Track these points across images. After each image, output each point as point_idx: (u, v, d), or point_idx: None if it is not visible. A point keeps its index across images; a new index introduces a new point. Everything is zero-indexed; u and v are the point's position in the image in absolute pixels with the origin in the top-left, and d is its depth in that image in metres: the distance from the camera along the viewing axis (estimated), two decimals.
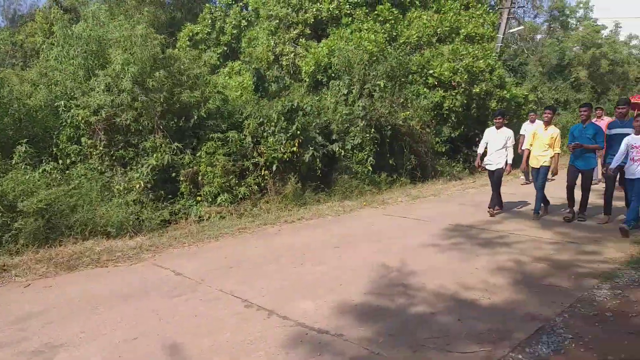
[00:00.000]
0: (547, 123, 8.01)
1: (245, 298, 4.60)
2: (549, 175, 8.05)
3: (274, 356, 3.50)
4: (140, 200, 8.35)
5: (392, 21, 15.49)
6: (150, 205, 8.39)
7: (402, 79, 13.66)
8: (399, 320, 4.06)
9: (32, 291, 5.00)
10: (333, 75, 13.53)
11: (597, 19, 36.61)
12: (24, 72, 11.05)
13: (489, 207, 8.34)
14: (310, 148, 9.93)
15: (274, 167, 9.48)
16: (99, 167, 8.82)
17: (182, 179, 8.89)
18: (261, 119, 9.80)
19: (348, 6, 15.47)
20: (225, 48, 17.65)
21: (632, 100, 11.60)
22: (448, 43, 15.26)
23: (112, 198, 8.22)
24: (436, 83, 13.98)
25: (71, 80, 9.43)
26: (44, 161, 8.32)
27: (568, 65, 30.02)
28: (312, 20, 15.64)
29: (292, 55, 15.46)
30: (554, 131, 7.94)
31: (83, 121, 8.77)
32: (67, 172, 8.54)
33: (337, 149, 10.78)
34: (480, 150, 8.58)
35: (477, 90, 13.94)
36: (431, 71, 13.99)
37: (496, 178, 8.29)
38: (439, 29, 15.56)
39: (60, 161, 8.71)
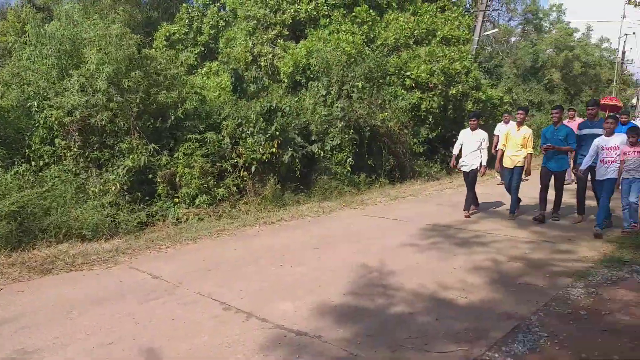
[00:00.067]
0: (520, 123, 8.14)
1: (223, 300, 4.56)
2: (523, 176, 8.20)
3: (251, 359, 3.48)
4: (116, 202, 8.22)
5: (370, 23, 15.60)
6: (127, 207, 8.27)
7: (380, 81, 13.77)
8: (378, 321, 4.08)
9: (4, 296, 4.87)
10: (312, 76, 13.54)
11: (569, 22, 37.52)
12: None
13: (464, 210, 8.44)
14: (290, 149, 9.92)
15: (253, 168, 9.45)
16: (73, 169, 8.66)
17: (159, 180, 8.78)
18: (240, 120, 9.74)
19: (326, 7, 15.51)
20: (203, 48, 17.50)
21: (603, 102, 11.92)
22: (425, 45, 15.44)
23: (87, 200, 8.08)
24: (413, 85, 14.13)
25: (44, 80, 9.23)
26: (16, 163, 8.14)
27: (542, 67, 30.68)
28: (290, 21, 15.63)
29: (270, 56, 15.42)
30: (526, 131, 8.09)
31: (57, 122, 8.59)
32: (41, 174, 8.37)
33: (316, 149, 10.79)
34: (455, 151, 8.67)
35: (454, 92, 14.14)
36: (408, 73, 14.14)
37: (471, 179, 8.38)
38: (415, 31, 15.72)
39: (33, 163, 8.53)
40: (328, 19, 15.48)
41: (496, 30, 27.78)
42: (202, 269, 5.62)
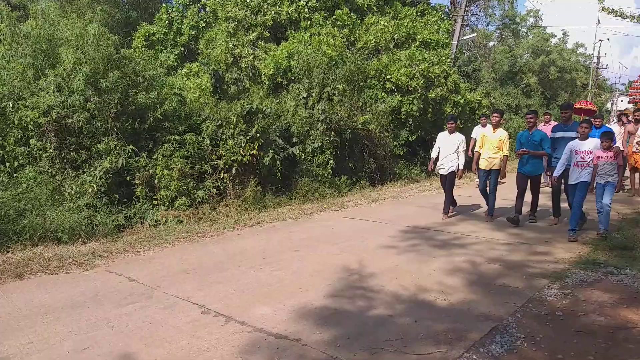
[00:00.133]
0: (496, 126, 8.25)
1: (202, 304, 4.52)
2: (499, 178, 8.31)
3: None
4: (93, 205, 8.09)
5: (350, 26, 15.68)
6: (104, 209, 8.14)
7: (361, 83, 13.84)
8: (357, 323, 4.09)
9: None
10: (293, 78, 13.54)
11: (546, 28, 38.29)
12: None
13: (443, 213, 8.52)
14: (271, 151, 9.88)
15: (234, 170, 9.38)
16: (49, 170, 8.49)
17: (137, 182, 8.66)
18: (220, 121, 9.67)
19: (307, 10, 15.53)
20: (183, 49, 17.35)
21: (577, 106, 12.18)
22: (405, 49, 15.57)
23: (63, 202, 7.93)
24: (394, 88, 14.24)
25: (19, 80, 9.02)
26: None
27: (519, 71, 31.26)
28: (271, 23, 15.60)
29: (251, 57, 15.36)
30: (502, 134, 8.19)
31: (32, 122, 8.41)
32: (15, 175, 8.20)
33: (297, 151, 10.78)
34: (433, 154, 8.72)
35: (433, 95, 14.28)
36: (389, 76, 14.24)
37: (449, 181, 8.46)
38: (395, 35, 15.86)
39: (8, 164, 8.34)
40: (309, 22, 15.49)
41: (474, 34, 28.20)
42: (181, 272, 5.56)
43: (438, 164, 8.54)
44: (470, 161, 9.26)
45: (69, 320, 4.20)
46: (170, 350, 3.63)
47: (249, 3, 15.65)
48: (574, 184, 6.96)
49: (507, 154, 8.23)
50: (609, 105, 49.91)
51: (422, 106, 14.22)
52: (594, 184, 6.89)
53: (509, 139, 8.62)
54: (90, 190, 8.13)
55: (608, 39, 59.92)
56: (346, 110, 12.40)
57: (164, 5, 18.30)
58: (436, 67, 14.48)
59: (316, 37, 14.50)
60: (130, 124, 8.97)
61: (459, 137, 8.39)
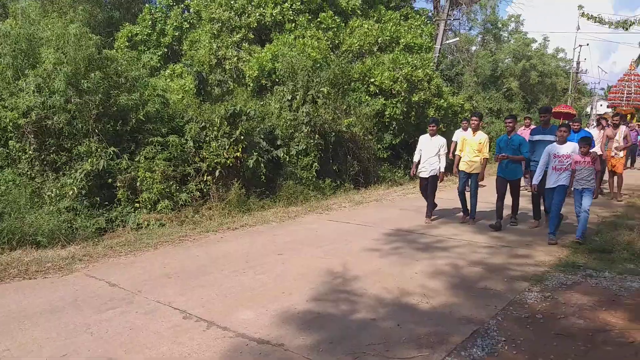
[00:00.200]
0: (475, 129, 8.33)
1: (184, 309, 4.48)
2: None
3: None
4: (74, 208, 7.96)
5: (335, 29, 15.73)
6: (85, 212, 8.02)
7: (345, 86, 13.88)
8: (340, 327, 4.09)
9: None
10: (277, 80, 13.52)
11: (527, 33, 38.92)
12: None
13: (426, 216, 8.57)
14: (255, 153, 9.85)
15: (217, 173, 9.33)
16: (28, 172, 8.36)
17: (119, 184, 8.55)
18: (203, 123, 9.62)
19: (291, 12, 15.52)
20: (166, 50, 17.18)
21: (556, 110, 12.39)
22: (388, 52, 15.67)
23: (42, 205, 7.81)
24: (377, 91, 14.30)
25: None
26: None
27: (501, 76, 31.68)
28: (255, 24, 15.56)
29: (235, 59, 15.29)
30: (482, 136, 8.28)
31: (11, 123, 8.28)
32: None
33: (281, 154, 10.76)
34: (415, 158, 8.65)
35: (416, 99, 14.38)
36: (372, 79, 14.30)
37: (431, 185, 8.48)
38: (379, 38, 15.95)
39: None
40: (293, 24, 15.49)
41: (457, 39, 28.48)
42: (163, 276, 5.51)
43: (419, 166, 8.56)
44: (452, 164, 9.33)
45: (47, 326, 4.12)
46: (151, 357, 3.59)
47: (233, 4, 15.60)
48: (552, 187, 7.02)
49: (487, 157, 8.31)
50: (588, 109, 50.81)
51: (405, 109, 14.30)
52: (572, 189, 6.98)
53: (491, 142, 8.70)
54: (71, 192, 8.01)
55: (588, 45, 61.01)
56: (330, 113, 12.42)
57: (147, 5, 18.10)
58: (419, 70, 14.59)
59: (300, 39, 14.51)
60: (112, 125, 8.86)
61: (440, 140, 8.44)
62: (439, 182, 8.52)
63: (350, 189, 12.38)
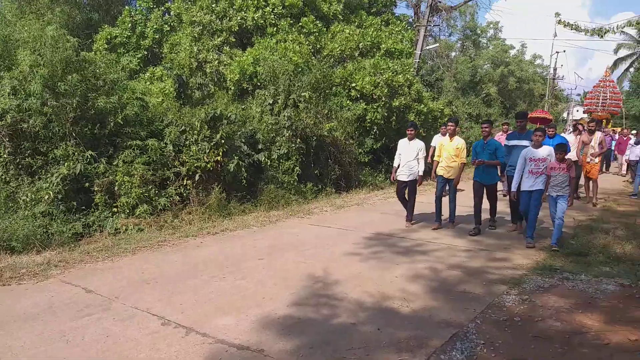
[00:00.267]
0: (452, 134, 8.42)
1: (162, 315, 4.42)
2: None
3: None
4: (50, 212, 7.82)
5: (316, 34, 15.76)
6: (61, 217, 7.88)
7: (327, 91, 13.91)
8: (321, 332, 4.08)
9: None
10: (258, 84, 13.49)
11: (505, 39, 39.57)
12: None
13: (406, 220, 8.62)
14: (236, 157, 9.79)
15: (197, 177, 9.25)
16: (2, 177, 8.21)
17: (96, 189, 8.42)
18: (183, 127, 9.53)
19: (273, 16, 15.51)
20: (146, 53, 17.00)
21: (533, 115, 12.60)
22: (369, 57, 15.76)
23: (17, 210, 7.66)
24: (359, 96, 14.38)
25: None
26: None
27: (480, 81, 32.16)
28: (237, 28, 15.50)
29: (216, 62, 15.21)
30: (459, 142, 8.36)
31: None
32: None
33: (263, 158, 10.73)
34: (395, 163, 8.66)
35: (397, 104, 14.49)
36: (354, 84, 14.37)
37: (410, 189, 8.52)
38: (360, 43, 16.04)
39: None
40: (275, 28, 15.48)
41: (437, 45, 28.82)
42: (141, 282, 5.43)
43: (398, 170, 8.59)
44: (430, 169, 9.40)
45: (21, 334, 4.03)
46: None
47: (214, 8, 15.52)
48: (528, 191, 7.09)
49: (465, 162, 8.41)
50: (565, 114, 51.83)
51: (386, 114, 14.40)
52: (546, 194, 7.06)
53: (469, 147, 8.78)
54: (46, 197, 7.86)
55: (564, 51, 62.49)
56: (312, 117, 12.44)
57: (126, 7, 17.89)
58: (400, 76, 14.71)
59: (282, 43, 14.52)
60: (90, 128, 8.73)
61: (419, 144, 8.51)
62: (417, 185, 8.58)
63: (332, 193, 12.40)
